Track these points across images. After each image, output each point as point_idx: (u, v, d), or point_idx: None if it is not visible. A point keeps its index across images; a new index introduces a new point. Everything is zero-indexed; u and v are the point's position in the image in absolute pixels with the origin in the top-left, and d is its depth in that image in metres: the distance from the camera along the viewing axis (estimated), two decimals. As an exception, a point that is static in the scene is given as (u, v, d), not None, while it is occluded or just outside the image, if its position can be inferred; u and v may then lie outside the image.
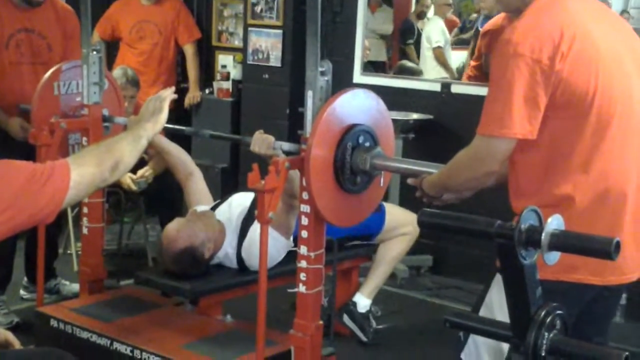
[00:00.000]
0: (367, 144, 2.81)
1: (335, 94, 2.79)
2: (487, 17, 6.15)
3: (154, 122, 2.53)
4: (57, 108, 3.65)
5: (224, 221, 3.45)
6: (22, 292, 4.35)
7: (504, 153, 2.31)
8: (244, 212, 3.47)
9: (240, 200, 3.56)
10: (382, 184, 2.94)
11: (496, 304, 2.36)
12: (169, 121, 2.75)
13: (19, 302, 4.28)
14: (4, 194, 2.10)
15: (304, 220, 2.87)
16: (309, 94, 2.82)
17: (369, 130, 2.83)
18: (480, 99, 5.04)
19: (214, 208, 3.58)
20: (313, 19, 2.77)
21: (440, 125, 4.94)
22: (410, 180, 2.69)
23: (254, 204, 3.43)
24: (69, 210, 4.71)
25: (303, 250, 2.88)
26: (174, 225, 3.36)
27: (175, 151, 3.73)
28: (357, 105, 2.85)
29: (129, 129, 2.60)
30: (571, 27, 2.25)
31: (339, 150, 2.74)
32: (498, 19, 5.69)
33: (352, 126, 2.78)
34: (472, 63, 5.80)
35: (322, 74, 2.81)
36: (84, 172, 2.19)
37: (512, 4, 2.44)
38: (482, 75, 5.52)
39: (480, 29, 5.98)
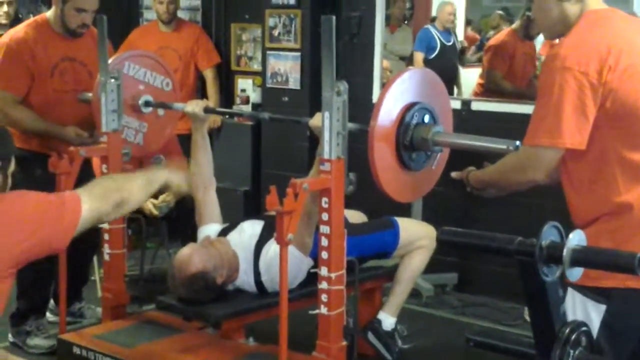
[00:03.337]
0: (428, 121, 2.90)
1: (394, 75, 2.91)
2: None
3: (172, 174, 2.62)
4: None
5: (237, 248, 3.42)
6: (47, 314, 4.37)
7: (550, 163, 2.40)
8: (256, 238, 3.45)
9: (251, 228, 3.53)
10: (434, 167, 3.03)
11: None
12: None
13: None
14: (23, 224, 2.19)
15: (324, 242, 2.87)
16: (326, 115, 2.83)
17: (430, 108, 2.92)
18: (500, 115, 5.08)
19: (224, 232, 3.55)
20: (327, 41, 2.78)
21: (461, 143, 4.92)
22: (454, 174, 2.82)
23: (264, 230, 3.43)
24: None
25: (324, 271, 2.88)
26: (187, 250, 3.34)
27: (209, 153, 3.71)
28: (418, 84, 2.96)
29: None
30: (618, 44, 2.33)
31: (402, 124, 2.85)
32: (501, 34, 5.68)
33: (414, 103, 2.87)
34: (479, 80, 5.79)
35: (338, 94, 2.81)
36: (92, 207, 2.30)
37: (555, 31, 2.52)
38: (485, 92, 5.50)
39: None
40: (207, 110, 3.62)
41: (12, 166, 2.46)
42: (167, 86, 3.96)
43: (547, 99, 2.35)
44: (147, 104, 3.85)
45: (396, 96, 2.85)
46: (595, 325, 2.31)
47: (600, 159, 2.38)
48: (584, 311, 2.35)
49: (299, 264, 3.26)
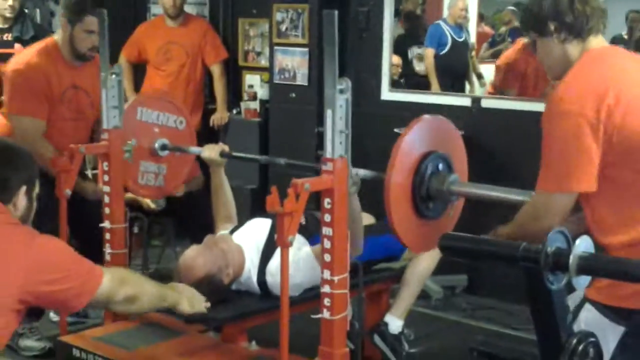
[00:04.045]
0: (444, 171, 2.85)
1: (408, 125, 2.82)
2: (515, 29, 6.05)
3: (189, 302, 2.81)
4: (134, 133, 3.73)
5: (243, 245, 3.38)
6: (51, 314, 4.34)
7: (563, 208, 2.38)
8: (265, 236, 3.39)
9: (258, 226, 3.48)
10: (451, 215, 2.97)
11: None
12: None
13: (48, 324, 4.25)
14: (54, 269, 2.33)
15: (327, 244, 2.79)
16: (328, 113, 2.75)
17: (445, 157, 2.86)
18: (511, 113, 5.00)
19: (232, 232, 3.51)
20: (330, 36, 2.71)
21: (471, 141, 4.80)
22: None
23: (274, 228, 3.36)
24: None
25: (326, 274, 2.80)
26: (190, 253, 3.28)
27: (230, 193, 3.73)
28: (433, 132, 2.91)
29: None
30: (617, 81, 2.33)
31: (417, 176, 2.78)
32: (512, 52, 5.60)
33: (429, 153, 2.81)
34: (489, 89, 5.74)
35: (341, 92, 2.74)
36: (110, 286, 2.43)
37: (557, 71, 2.51)
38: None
39: (508, 40, 5.89)
40: (223, 154, 3.60)
41: (37, 189, 2.53)
42: (180, 124, 3.94)
43: (549, 144, 2.36)
44: (163, 147, 3.82)
45: (411, 146, 2.79)
46: (610, 346, 2.23)
47: (620, 195, 2.34)
48: (599, 329, 2.27)
49: (314, 275, 3.18)
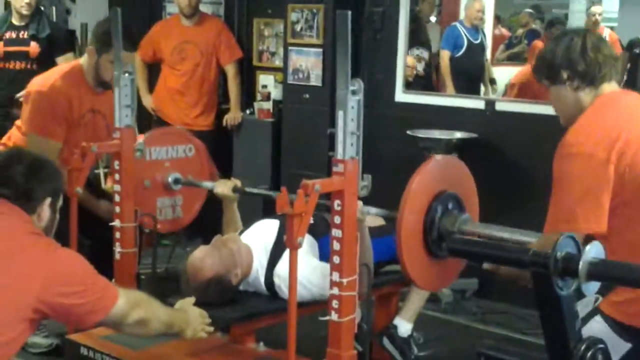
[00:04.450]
0: (455, 210, 2.84)
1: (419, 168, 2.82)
2: (532, 32, 6.01)
3: (192, 330, 2.82)
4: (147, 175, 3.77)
5: (252, 246, 3.37)
6: None
7: None
8: (273, 237, 3.38)
9: (267, 226, 3.47)
10: None
11: None
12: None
13: (56, 321, 4.25)
14: (74, 282, 2.36)
15: (336, 246, 2.77)
16: (340, 114, 2.73)
17: (456, 197, 2.86)
18: (524, 116, 4.96)
19: (240, 233, 3.51)
20: (343, 37, 2.68)
21: (485, 144, 4.80)
22: (486, 265, 2.74)
23: (282, 229, 3.35)
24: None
25: (335, 276, 2.79)
26: (199, 254, 3.27)
27: (240, 225, 3.73)
28: (444, 172, 2.91)
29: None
30: (628, 126, 2.36)
31: (428, 215, 2.78)
32: (526, 70, 5.59)
33: (441, 192, 2.81)
34: (510, 88, 5.72)
35: (354, 93, 2.72)
36: (123, 308, 2.45)
37: (570, 118, 2.51)
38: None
39: (524, 42, 5.85)
40: (236, 190, 3.62)
41: (61, 201, 2.57)
42: (190, 152, 3.95)
43: (558, 184, 2.37)
44: (176, 181, 3.85)
45: (422, 188, 2.79)
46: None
47: (634, 231, 2.35)
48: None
49: (327, 285, 3.16)
